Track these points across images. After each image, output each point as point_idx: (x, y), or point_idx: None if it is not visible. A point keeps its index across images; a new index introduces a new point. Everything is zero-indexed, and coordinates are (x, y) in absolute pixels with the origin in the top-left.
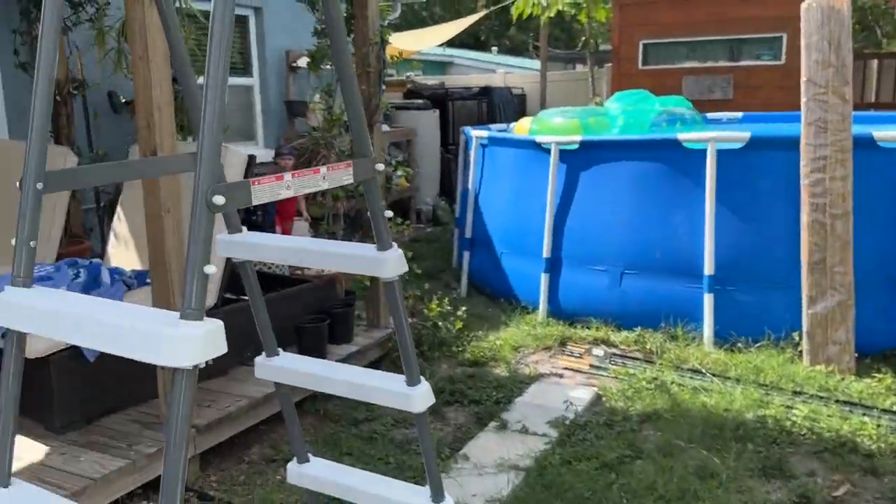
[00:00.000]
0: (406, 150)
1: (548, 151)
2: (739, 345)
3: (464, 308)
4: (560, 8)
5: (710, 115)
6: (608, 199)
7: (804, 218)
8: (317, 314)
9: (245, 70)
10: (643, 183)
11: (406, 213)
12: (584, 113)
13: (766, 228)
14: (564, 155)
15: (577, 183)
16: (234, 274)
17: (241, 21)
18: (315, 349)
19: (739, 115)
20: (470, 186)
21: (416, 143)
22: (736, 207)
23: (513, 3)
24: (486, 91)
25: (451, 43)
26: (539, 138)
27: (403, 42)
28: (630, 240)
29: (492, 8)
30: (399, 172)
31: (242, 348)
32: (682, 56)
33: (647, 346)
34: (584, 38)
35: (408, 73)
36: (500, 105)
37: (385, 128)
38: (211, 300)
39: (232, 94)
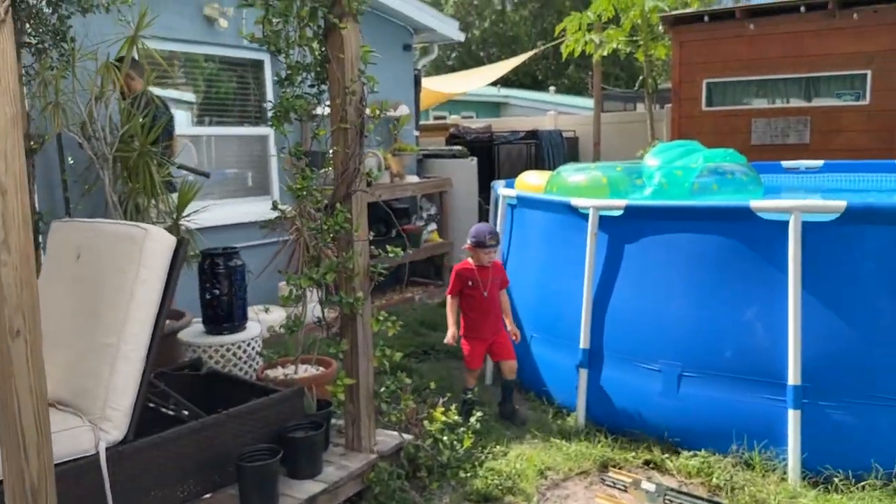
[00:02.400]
0: (439, 202)
1: (585, 217)
2: (837, 481)
3: (479, 413)
4: (615, 46)
5: (785, 163)
6: (661, 279)
7: None
8: (275, 439)
9: (260, 119)
10: (706, 262)
11: (439, 272)
12: (610, 169)
13: (870, 325)
14: (606, 223)
15: (621, 257)
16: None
17: (257, 66)
18: (259, 492)
19: (820, 163)
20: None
21: (452, 193)
22: (829, 297)
23: (562, 42)
24: (533, 134)
25: (506, 83)
26: (575, 201)
27: (452, 83)
28: (690, 333)
29: (542, 46)
30: (430, 227)
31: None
32: (752, 96)
33: (714, 479)
34: (641, 77)
35: (450, 115)
36: (548, 149)
37: (414, 178)
38: (118, 433)
39: (245, 145)
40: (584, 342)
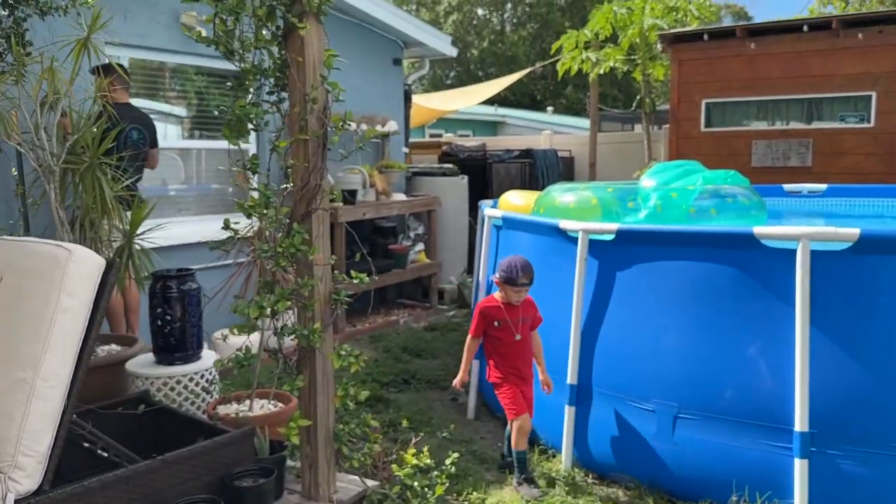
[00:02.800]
0: (427, 221)
1: (575, 241)
2: None
3: (456, 454)
4: (612, 65)
5: (787, 186)
6: (656, 310)
7: None
8: (219, 487)
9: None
10: (705, 292)
11: (426, 293)
12: (601, 190)
13: (887, 366)
14: (596, 247)
15: (612, 285)
16: (150, 426)
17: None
18: None
19: (823, 187)
20: (481, 273)
21: (441, 213)
22: (841, 334)
23: (557, 61)
24: (528, 153)
25: (504, 102)
26: (563, 224)
27: (445, 101)
28: (687, 370)
29: (538, 65)
30: (417, 248)
31: None
32: (752, 117)
33: None
34: (638, 97)
35: (447, 133)
36: (543, 169)
37: (401, 196)
38: (31, 482)
39: (226, 160)
40: (571, 377)
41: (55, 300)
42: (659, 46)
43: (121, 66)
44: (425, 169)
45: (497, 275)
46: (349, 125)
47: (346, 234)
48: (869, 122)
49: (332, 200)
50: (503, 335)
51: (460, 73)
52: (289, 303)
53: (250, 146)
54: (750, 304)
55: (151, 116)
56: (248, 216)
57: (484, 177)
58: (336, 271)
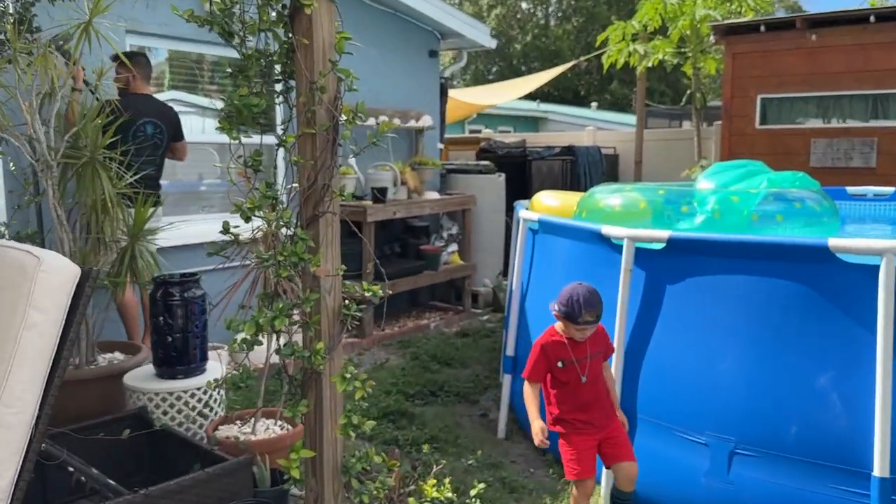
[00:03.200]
0: (462, 220)
1: (619, 249)
2: None
3: (482, 484)
4: (661, 57)
5: (851, 189)
6: (712, 330)
7: None
8: None
9: (268, 126)
10: (769, 312)
11: (460, 296)
12: (651, 192)
13: None
14: (644, 257)
15: (661, 300)
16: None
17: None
18: None
19: (891, 190)
20: (515, 280)
21: (476, 212)
22: None
23: (603, 54)
24: (569, 150)
25: (546, 98)
26: (607, 229)
27: (483, 95)
28: (746, 400)
29: (582, 59)
30: (450, 248)
31: None
32: (811, 114)
33: None
34: (689, 92)
35: (486, 129)
36: (585, 166)
37: (435, 195)
38: None
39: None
40: None
41: (21, 315)
42: (712, 38)
43: (142, 55)
44: (460, 166)
45: (555, 307)
46: (361, 118)
47: (375, 234)
48: None
49: (359, 198)
50: (568, 377)
51: (503, 67)
52: (286, 319)
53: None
54: (822, 327)
55: (186, 110)
56: (246, 219)
57: (523, 175)
58: (347, 282)
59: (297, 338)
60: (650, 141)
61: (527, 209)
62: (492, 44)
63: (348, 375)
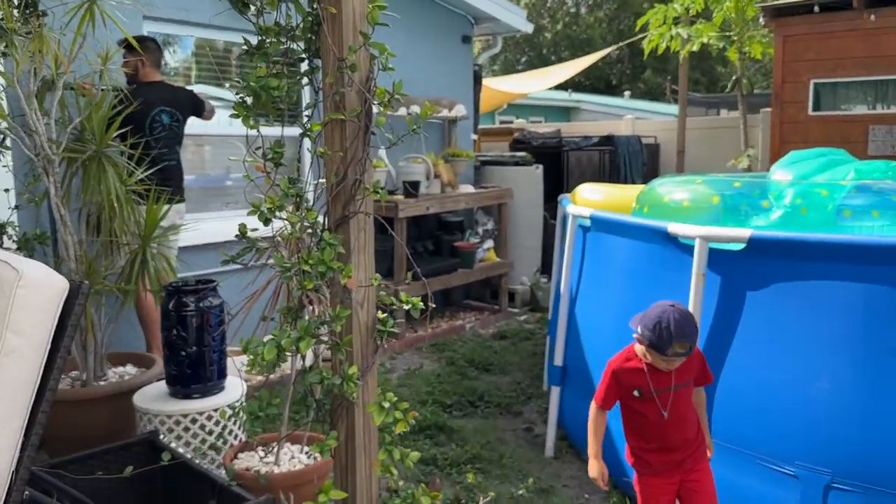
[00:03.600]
0: (497, 215)
1: (690, 251)
2: None
3: None
4: (705, 41)
5: None
6: (802, 344)
7: None
8: None
9: (294, 117)
10: (874, 325)
11: (496, 295)
12: (724, 184)
13: None
14: (719, 259)
15: (740, 309)
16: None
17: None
18: None
19: None
20: (564, 283)
21: (512, 206)
22: None
23: (643, 39)
24: (608, 140)
25: (577, 87)
26: (674, 228)
27: (516, 84)
28: (845, 427)
29: (616, 45)
30: (486, 245)
31: None
32: (869, 99)
33: None
34: (734, 78)
35: (517, 119)
36: (625, 157)
37: (469, 188)
38: None
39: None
40: None
41: None
42: (761, 20)
43: (151, 39)
44: (495, 158)
45: (639, 329)
46: (398, 100)
47: (406, 230)
48: None
49: (390, 193)
50: (646, 409)
51: (532, 57)
52: (312, 340)
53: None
54: None
55: (214, 104)
56: (265, 221)
57: (559, 166)
58: (385, 287)
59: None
60: (692, 129)
61: (580, 206)
62: (528, 28)
63: (387, 404)
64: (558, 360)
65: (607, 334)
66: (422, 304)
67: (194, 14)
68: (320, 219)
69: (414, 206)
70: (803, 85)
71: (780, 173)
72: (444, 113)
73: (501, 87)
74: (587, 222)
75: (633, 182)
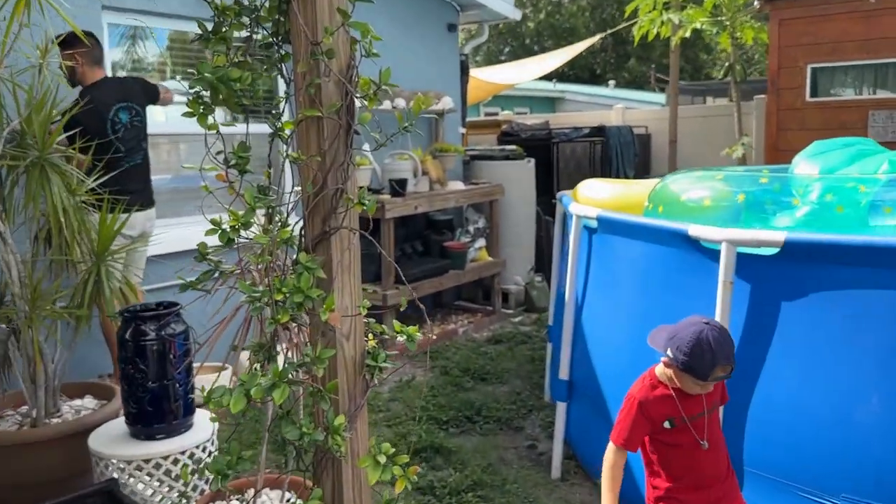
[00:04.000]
0: (489, 212)
1: (714, 255)
2: None
3: None
4: (697, 26)
5: None
6: (847, 362)
7: None
8: None
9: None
10: None
11: (488, 295)
12: (748, 180)
13: None
14: (749, 265)
15: (774, 322)
16: None
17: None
18: None
19: None
20: (568, 290)
21: (504, 202)
22: None
23: (632, 25)
24: (599, 131)
25: (562, 77)
26: (695, 230)
27: (502, 73)
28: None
29: (605, 33)
30: (477, 244)
31: None
32: (868, 84)
33: None
34: (728, 64)
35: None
36: (617, 148)
37: (458, 185)
38: None
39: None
40: None
41: None
42: (756, 4)
43: (89, 34)
44: (485, 152)
45: (669, 354)
46: (387, 91)
47: (394, 231)
48: None
49: (375, 192)
50: (680, 440)
51: (515, 47)
52: (287, 388)
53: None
54: None
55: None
56: (227, 242)
57: (548, 159)
58: (373, 292)
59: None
60: (684, 118)
61: (584, 205)
62: (516, 15)
63: (382, 458)
64: (564, 374)
65: (619, 346)
66: (418, 334)
67: (161, 3)
68: (294, 233)
69: (401, 205)
70: (800, 70)
71: (804, 165)
72: (432, 106)
73: (489, 77)
74: (593, 223)
75: (626, 174)
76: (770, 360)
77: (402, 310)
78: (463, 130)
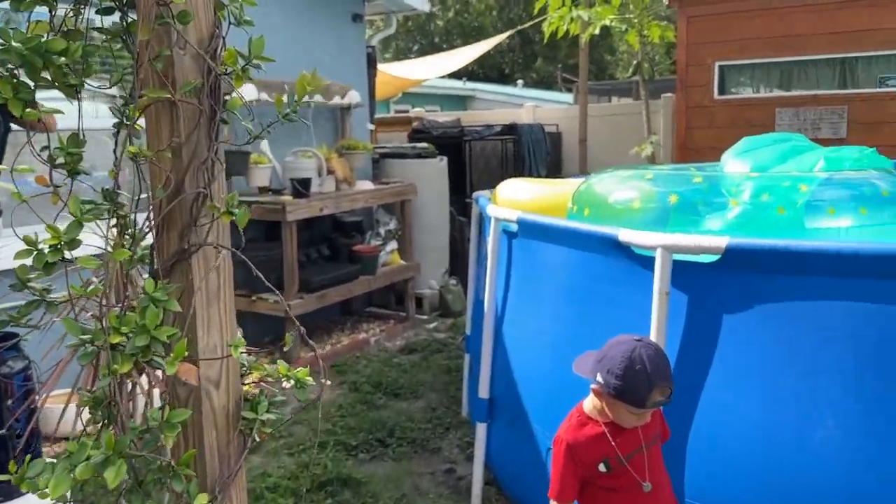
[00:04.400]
0: (400, 213)
1: (647, 263)
2: None
3: None
4: (607, 23)
5: None
6: (799, 381)
7: None
8: None
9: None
10: (890, 355)
11: (401, 300)
12: (679, 178)
13: None
14: (686, 274)
15: (715, 335)
16: None
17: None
18: None
19: None
20: (487, 300)
21: (416, 203)
22: None
23: (541, 23)
24: (512, 129)
25: (472, 76)
26: (626, 235)
27: (412, 69)
28: (860, 479)
29: (514, 30)
30: (389, 247)
31: None
32: (775, 81)
33: None
34: (636, 62)
35: (413, 108)
36: (529, 146)
37: (367, 185)
38: None
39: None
40: None
41: None
42: (665, 1)
43: None
44: (395, 150)
45: (599, 380)
46: (259, 69)
47: (297, 234)
48: None
49: (276, 192)
50: (621, 483)
51: (424, 45)
52: (124, 462)
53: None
54: None
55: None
56: (46, 268)
57: (460, 157)
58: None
59: None
60: (593, 117)
61: (503, 207)
62: (424, 6)
63: None
64: (483, 393)
65: (544, 362)
66: (310, 378)
67: None
68: (137, 251)
69: (305, 207)
70: (708, 68)
71: (734, 163)
72: (337, 100)
73: (398, 72)
74: (513, 227)
75: (538, 173)
76: (711, 379)
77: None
78: (372, 127)
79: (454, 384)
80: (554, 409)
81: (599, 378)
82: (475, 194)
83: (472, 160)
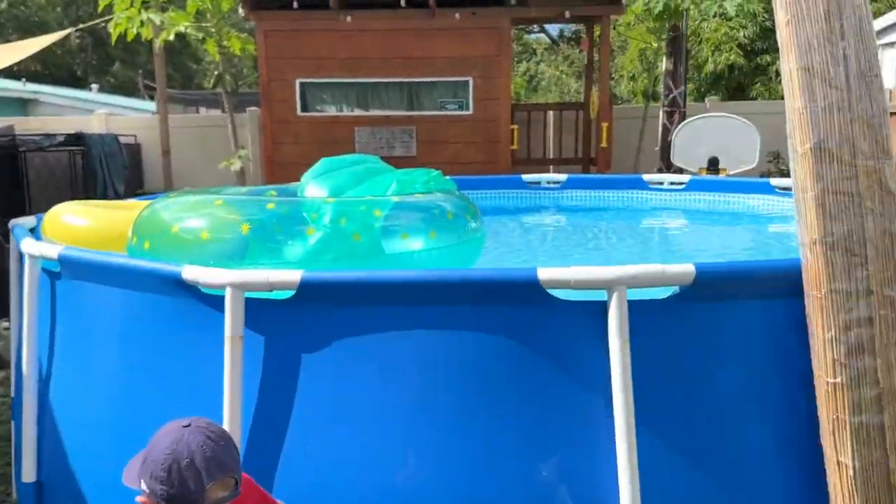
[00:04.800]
0: None
1: (218, 304)
2: None
3: None
4: (182, 30)
5: (525, 176)
6: (379, 417)
7: None
8: None
9: None
10: (462, 380)
11: None
12: (253, 204)
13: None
14: (260, 313)
15: (294, 381)
16: None
17: None
18: None
19: (563, 177)
20: (27, 358)
21: None
22: None
23: (108, 22)
24: (78, 139)
25: (35, 77)
26: (191, 272)
27: None
28: None
29: (77, 27)
30: None
31: None
32: (353, 101)
33: None
34: (217, 74)
35: None
36: (101, 159)
37: None
38: None
39: None
40: None
41: None
42: (241, 12)
43: None
44: None
45: (144, 489)
46: None
47: None
48: (468, 109)
49: None
50: None
51: None
52: None
53: None
54: (545, 391)
55: None
56: None
57: (15, 173)
58: None
59: None
60: (177, 128)
61: (34, 233)
62: None
63: None
64: (29, 475)
65: (101, 433)
66: None
67: None
68: None
69: None
70: (289, 84)
71: (312, 188)
72: None
73: None
74: (53, 264)
75: (115, 190)
76: (294, 427)
77: None
78: None
79: (4, 457)
80: (125, 496)
81: (144, 486)
82: (13, 223)
83: (29, 176)
